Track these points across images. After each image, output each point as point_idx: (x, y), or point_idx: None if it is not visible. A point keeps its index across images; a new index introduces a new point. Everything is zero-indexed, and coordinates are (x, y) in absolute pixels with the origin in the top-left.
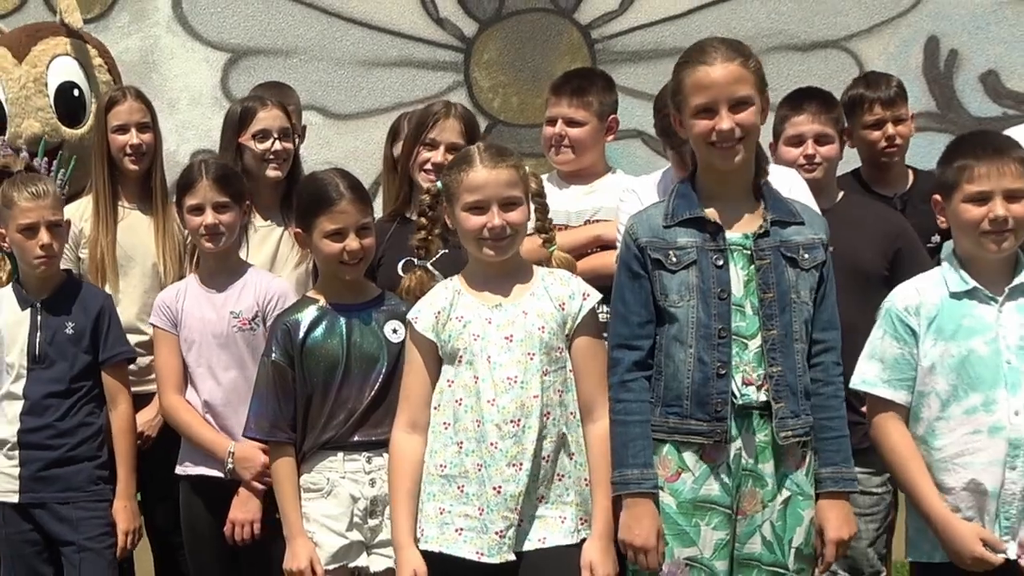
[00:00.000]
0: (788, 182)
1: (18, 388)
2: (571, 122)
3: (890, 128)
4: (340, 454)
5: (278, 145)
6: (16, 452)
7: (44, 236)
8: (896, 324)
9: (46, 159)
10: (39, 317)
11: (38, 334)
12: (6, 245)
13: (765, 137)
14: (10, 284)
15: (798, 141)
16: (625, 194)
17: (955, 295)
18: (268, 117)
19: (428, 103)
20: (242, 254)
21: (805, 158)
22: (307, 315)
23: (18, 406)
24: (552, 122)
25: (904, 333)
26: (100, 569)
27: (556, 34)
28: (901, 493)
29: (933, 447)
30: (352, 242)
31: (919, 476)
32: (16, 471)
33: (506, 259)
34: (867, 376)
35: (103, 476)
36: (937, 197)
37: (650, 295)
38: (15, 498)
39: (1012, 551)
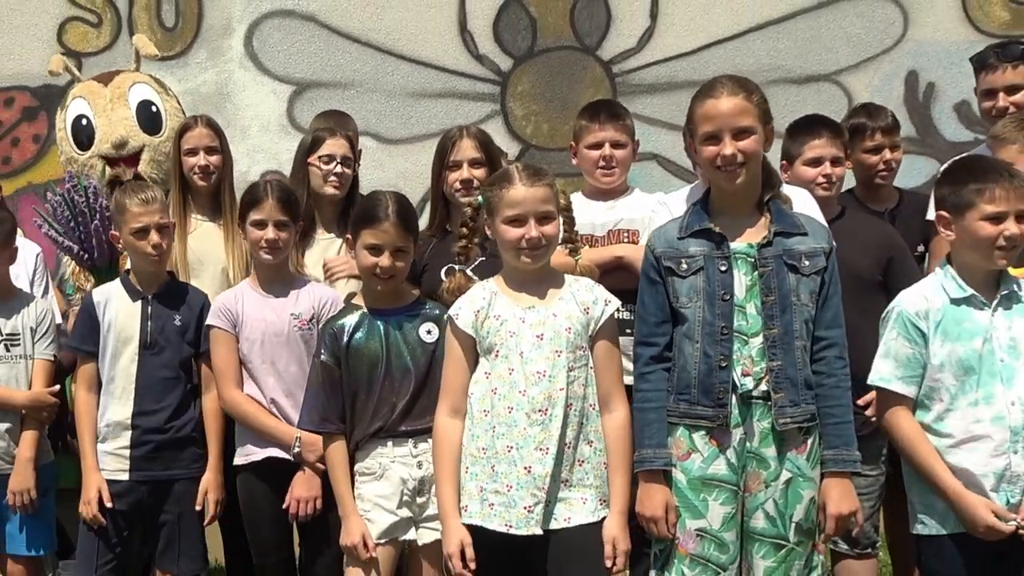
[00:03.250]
0: (800, 201)
1: (132, 373)
2: (616, 144)
3: (887, 153)
4: (390, 442)
5: (339, 168)
6: (129, 433)
7: (154, 237)
8: (908, 327)
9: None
10: (150, 308)
11: (149, 323)
12: (120, 245)
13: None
14: (118, 280)
15: (816, 162)
16: (658, 207)
17: (955, 301)
18: (334, 144)
19: (443, 132)
20: (307, 261)
21: (824, 177)
22: (351, 320)
23: (132, 390)
24: (598, 146)
25: (915, 335)
26: (198, 534)
27: (581, 69)
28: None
29: (943, 434)
30: (385, 259)
31: (932, 458)
32: (127, 452)
33: (539, 266)
34: (883, 373)
35: (201, 454)
36: (944, 214)
37: (666, 298)
38: (125, 476)
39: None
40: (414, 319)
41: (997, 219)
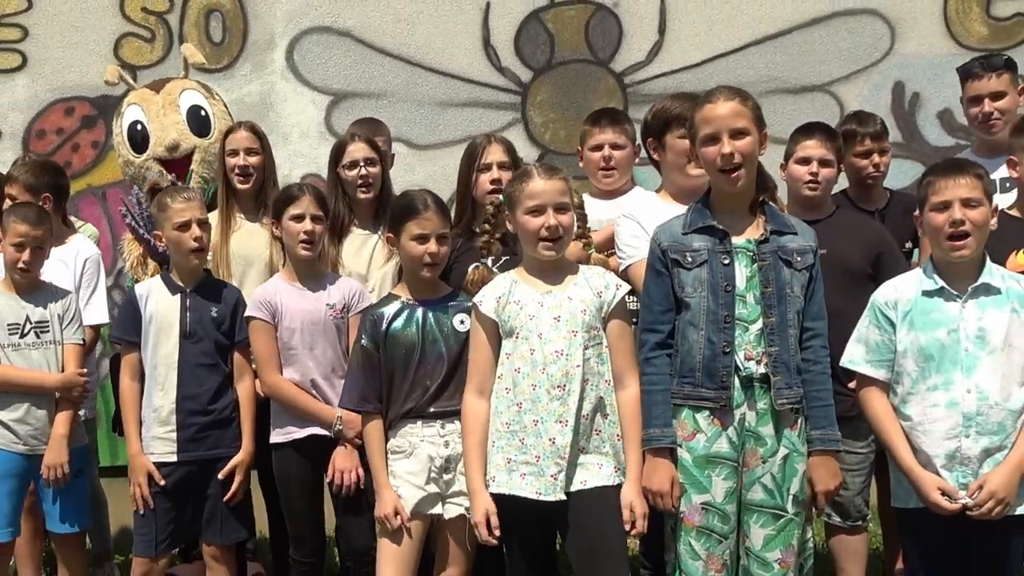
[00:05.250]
0: None
1: (173, 361)
2: (615, 146)
3: (876, 157)
4: (419, 422)
5: (363, 171)
6: (174, 417)
7: (196, 230)
8: (878, 315)
9: (173, 175)
10: (188, 300)
11: (188, 315)
12: (162, 245)
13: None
14: (158, 276)
15: (806, 161)
16: (621, 219)
17: (927, 293)
18: (355, 150)
19: (468, 138)
20: (344, 254)
21: (810, 175)
22: (391, 308)
23: (174, 377)
24: (599, 148)
25: (884, 323)
26: (239, 507)
27: (595, 80)
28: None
29: (905, 415)
30: (432, 245)
31: (895, 436)
32: (174, 435)
33: (557, 257)
34: (853, 356)
35: (238, 434)
36: (916, 213)
37: (670, 289)
38: (173, 457)
39: (965, 500)
40: (449, 309)
41: (944, 208)
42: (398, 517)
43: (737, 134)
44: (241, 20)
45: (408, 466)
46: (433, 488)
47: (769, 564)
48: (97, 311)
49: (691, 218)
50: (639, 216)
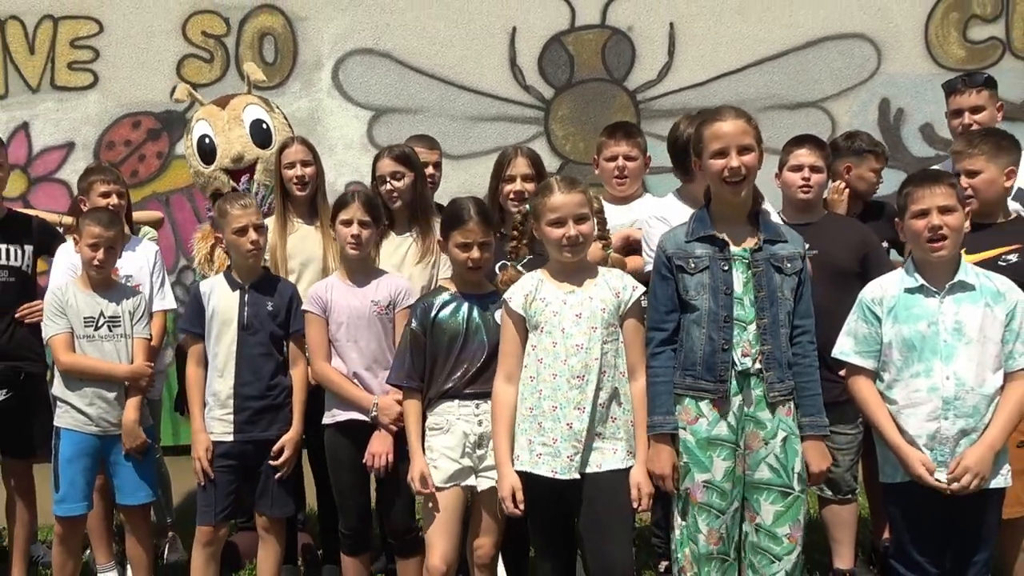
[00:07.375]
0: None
1: (232, 351)
2: (628, 157)
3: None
4: (456, 401)
5: (389, 185)
6: (231, 401)
7: (252, 234)
8: (865, 310)
9: (247, 177)
10: (247, 296)
11: (246, 309)
12: (222, 245)
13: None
14: (221, 273)
15: (798, 168)
16: (652, 220)
17: (909, 290)
18: (381, 166)
19: (502, 150)
20: (381, 256)
21: (803, 179)
22: (440, 299)
23: (232, 365)
24: (613, 159)
25: (871, 317)
26: (287, 483)
27: (611, 97)
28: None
29: (891, 400)
30: (475, 253)
31: (882, 417)
32: (231, 417)
33: (579, 259)
34: (844, 348)
35: (290, 418)
36: (898, 220)
37: (675, 291)
38: (230, 437)
39: (943, 477)
40: (491, 304)
41: (923, 215)
42: (426, 484)
43: (743, 150)
44: (291, 43)
45: (445, 441)
46: (467, 462)
47: (779, 538)
48: (168, 298)
49: (693, 227)
50: (672, 219)
